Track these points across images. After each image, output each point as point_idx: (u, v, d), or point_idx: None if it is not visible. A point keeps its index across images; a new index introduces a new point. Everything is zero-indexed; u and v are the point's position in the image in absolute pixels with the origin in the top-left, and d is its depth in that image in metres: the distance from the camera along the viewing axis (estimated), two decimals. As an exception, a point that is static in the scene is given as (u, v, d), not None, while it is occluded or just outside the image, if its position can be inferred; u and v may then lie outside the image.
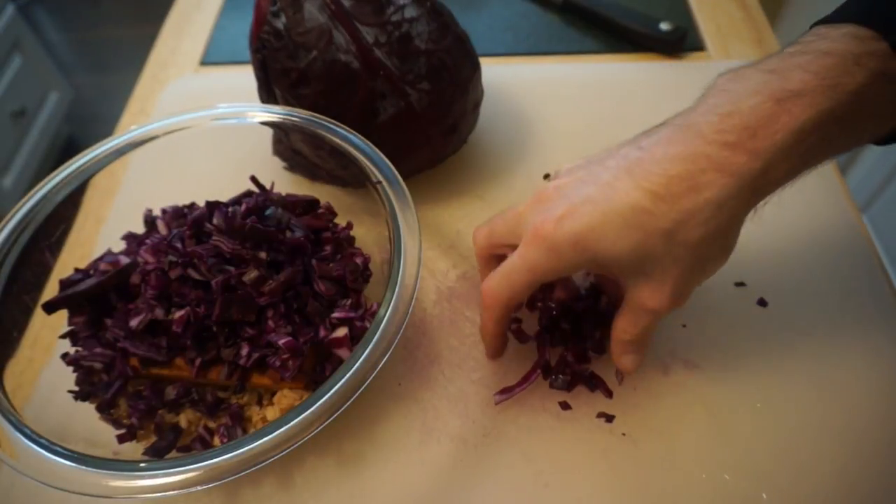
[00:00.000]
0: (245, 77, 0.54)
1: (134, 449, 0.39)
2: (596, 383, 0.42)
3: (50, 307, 0.39)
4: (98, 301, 0.40)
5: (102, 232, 0.51)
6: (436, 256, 0.50)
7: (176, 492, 0.32)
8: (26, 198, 0.43)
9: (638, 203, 0.31)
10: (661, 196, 0.31)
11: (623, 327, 0.37)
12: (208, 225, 0.40)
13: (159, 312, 0.38)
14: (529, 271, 0.35)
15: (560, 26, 0.70)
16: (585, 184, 0.34)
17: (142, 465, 0.32)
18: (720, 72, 0.34)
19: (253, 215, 0.41)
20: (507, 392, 0.42)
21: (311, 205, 0.44)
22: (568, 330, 0.44)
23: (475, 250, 0.42)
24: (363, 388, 0.34)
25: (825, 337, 0.44)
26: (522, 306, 0.46)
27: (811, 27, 0.33)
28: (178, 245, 0.39)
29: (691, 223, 0.31)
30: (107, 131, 0.55)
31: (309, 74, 0.45)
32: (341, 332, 0.39)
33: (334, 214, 0.46)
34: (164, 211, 0.45)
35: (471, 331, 0.46)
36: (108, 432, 0.39)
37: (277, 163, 0.54)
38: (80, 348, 0.40)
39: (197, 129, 0.48)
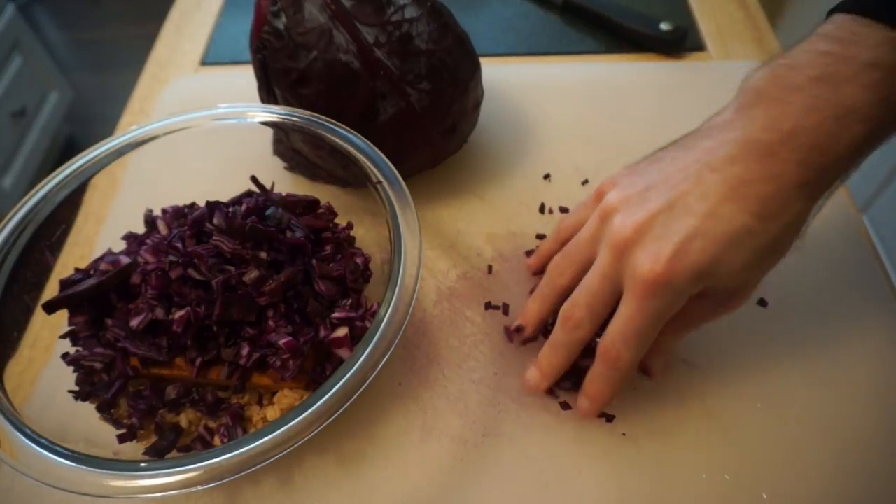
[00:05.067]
0: (245, 77, 0.54)
1: (134, 449, 0.39)
2: None
3: (50, 307, 0.39)
4: (98, 301, 0.40)
5: (102, 232, 0.51)
6: (436, 256, 0.50)
7: (176, 492, 0.32)
8: (26, 198, 0.43)
9: (746, 226, 0.32)
10: (762, 216, 0.32)
11: (682, 327, 0.38)
12: (209, 225, 0.40)
13: (160, 312, 0.38)
14: (657, 320, 0.34)
15: (560, 26, 0.70)
16: (677, 217, 0.33)
17: (142, 465, 0.32)
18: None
19: (253, 215, 0.41)
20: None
21: (311, 205, 0.44)
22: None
23: (548, 289, 0.41)
24: (363, 388, 0.34)
25: (825, 337, 0.44)
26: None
27: (830, 13, 0.34)
28: (179, 245, 0.39)
29: (786, 236, 0.33)
30: (107, 131, 0.55)
31: (309, 74, 0.45)
32: (341, 332, 0.39)
33: (334, 214, 0.46)
34: (164, 211, 0.45)
35: (471, 331, 0.46)
36: (109, 432, 0.39)
37: (277, 163, 0.54)
38: (80, 348, 0.40)
39: (197, 129, 0.48)
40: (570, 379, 0.42)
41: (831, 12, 0.34)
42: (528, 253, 0.50)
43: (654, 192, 0.35)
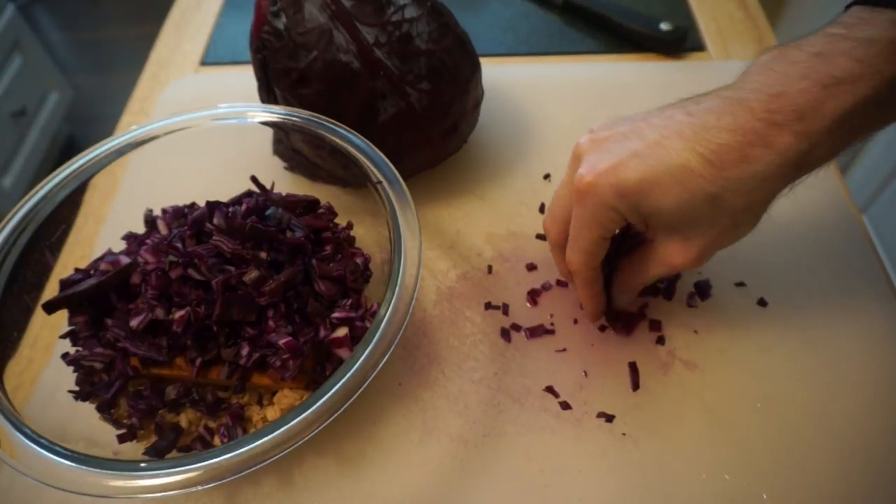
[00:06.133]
0: (245, 77, 0.54)
1: (134, 449, 0.39)
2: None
3: (50, 307, 0.39)
4: (98, 301, 0.40)
5: (102, 232, 0.51)
6: (436, 256, 0.50)
7: (176, 492, 0.32)
8: (26, 198, 0.43)
9: (688, 164, 0.33)
10: (710, 161, 0.33)
11: (637, 271, 0.40)
12: (209, 225, 0.40)
13: (160, 312, 0.38)
14: (586, 228, 0.36)
15: (560, 26, 0.70)
16: (629, 139, 0.35)
17: (142, 465, 0.32)
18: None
19: (253, 215, 0.41)
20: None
21: (311, 205, 0.44)
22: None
23: (551, 242, 0.43)
24: (363, 388, 0.34)
25: (825, 337, 0.44)
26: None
27: (848, 7, 0.34)
28: (179, 245, 0.39)
29: (737, 191, 0.33)
30: (107, 131, 0.55)
31: (309, 74, 0.45)
32: (341, 332, 0.39)
33: (334, 214, 0.46)
34: (164, 211, 0.45)
35: (471, 331, 0.46)
36: (108, 432, 0.39)
37: (277, 163, 0.54)
38: (80, 348, 0.40)
39: (197, 129, 0.48)
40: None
41: (850, 5, 0.34)
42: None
43: (629, 122, 0.37)
